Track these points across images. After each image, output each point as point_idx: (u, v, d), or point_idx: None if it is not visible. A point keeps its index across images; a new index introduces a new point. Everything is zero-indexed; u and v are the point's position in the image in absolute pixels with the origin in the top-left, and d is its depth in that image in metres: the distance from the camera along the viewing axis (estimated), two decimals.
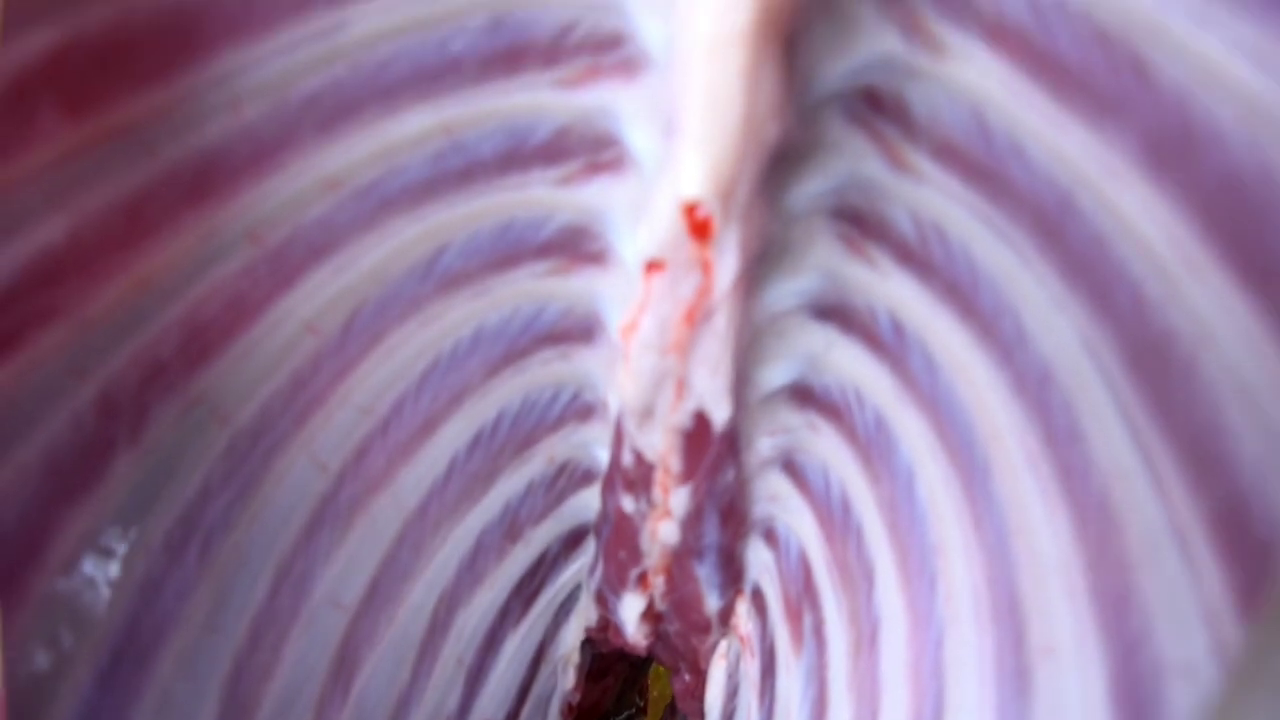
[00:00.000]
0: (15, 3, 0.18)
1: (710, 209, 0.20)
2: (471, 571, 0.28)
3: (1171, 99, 0.17)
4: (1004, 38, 0.19)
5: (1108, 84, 0.18)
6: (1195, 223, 0.17)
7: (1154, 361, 0.18)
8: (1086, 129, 0.19)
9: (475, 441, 0.27)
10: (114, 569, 0.21)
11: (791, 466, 0.26)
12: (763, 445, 0.26)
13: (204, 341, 0.22)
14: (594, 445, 0.28)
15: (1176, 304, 0.18)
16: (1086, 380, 0.20)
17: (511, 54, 0.22)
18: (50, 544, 0.20)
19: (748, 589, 0.29)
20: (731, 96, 0.19)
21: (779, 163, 0.21)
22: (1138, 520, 0.19)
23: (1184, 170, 0.17)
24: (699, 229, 0.21)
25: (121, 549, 0.21)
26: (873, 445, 0.24)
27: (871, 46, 0.20)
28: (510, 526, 0.28)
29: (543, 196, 0.24)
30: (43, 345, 0.20)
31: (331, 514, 0.25)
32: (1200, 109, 0.17)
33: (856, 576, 0.25)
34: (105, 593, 0.21)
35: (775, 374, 0.25)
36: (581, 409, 0.27)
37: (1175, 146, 0.17)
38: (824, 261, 0.23)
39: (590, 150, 0.23)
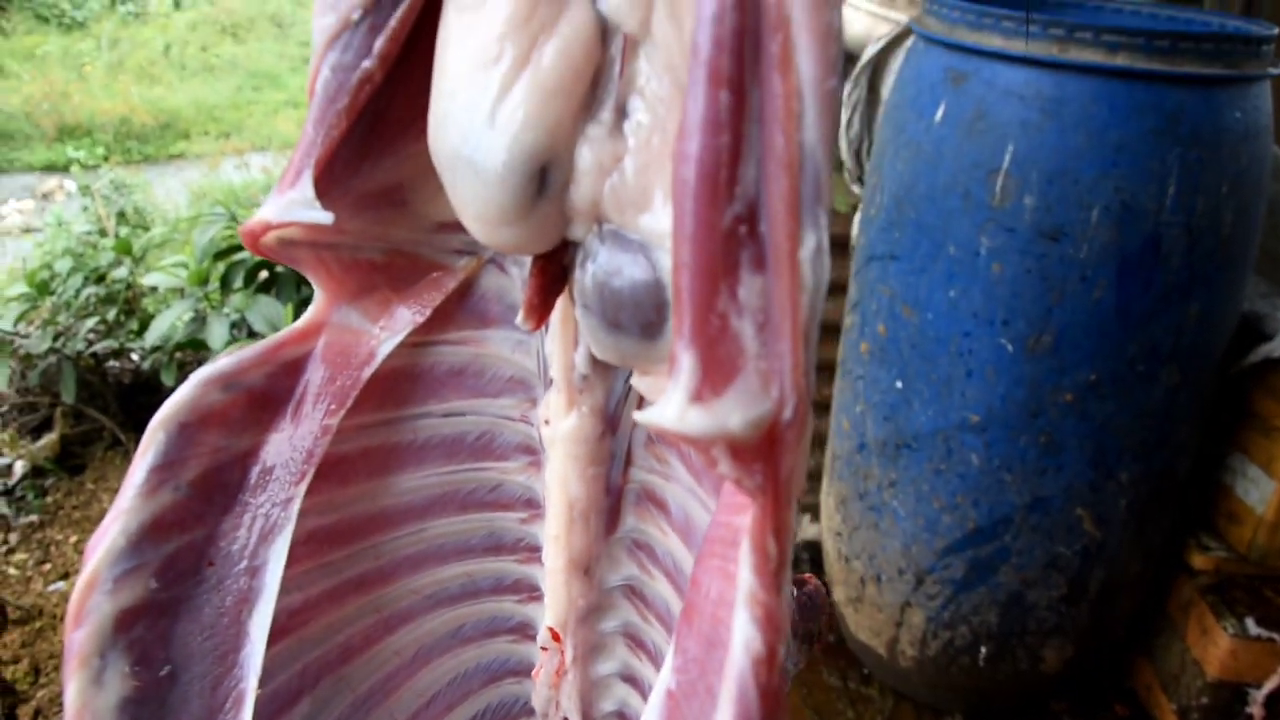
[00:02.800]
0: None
1: (557, 630, 0.47)
2: None
3: None
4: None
5: None
6: None
7: None
8: None
9: (476, 717, 0.54)
10: None
11: None
12: None
13: (348, 654, 0.50)
14: None
15: None
16: None
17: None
18: None
19: None
20: (559, 594, 0.46)
21: (591, 613, 0.48)
22: None
23: None
24: (555, 636, 0.48)
25: None
26: None
27: (624, 575, 0.47)
28: None
29: (513, 609, 0.51)
30: (278, 646, 0.49)
31: None
32: None
33: None
34: None
35: (607, 705, 0.50)
36: (530, 709, 0.54)
37: None
38: (623, 657, 0.49)
39: (529, 589, 0.51)
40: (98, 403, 3.45)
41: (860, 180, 1.81)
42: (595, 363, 0.42)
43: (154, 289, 3.47)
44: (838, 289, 1.86)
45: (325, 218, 0.38)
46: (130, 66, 10.01)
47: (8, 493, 3.25)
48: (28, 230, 6.75)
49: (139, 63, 10.11)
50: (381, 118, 0.39)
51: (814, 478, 2.04)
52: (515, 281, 0.45)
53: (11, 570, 2.91)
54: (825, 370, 1.92)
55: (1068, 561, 1.58)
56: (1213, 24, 1.57)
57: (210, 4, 11.77)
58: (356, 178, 0.40)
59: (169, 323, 3.02)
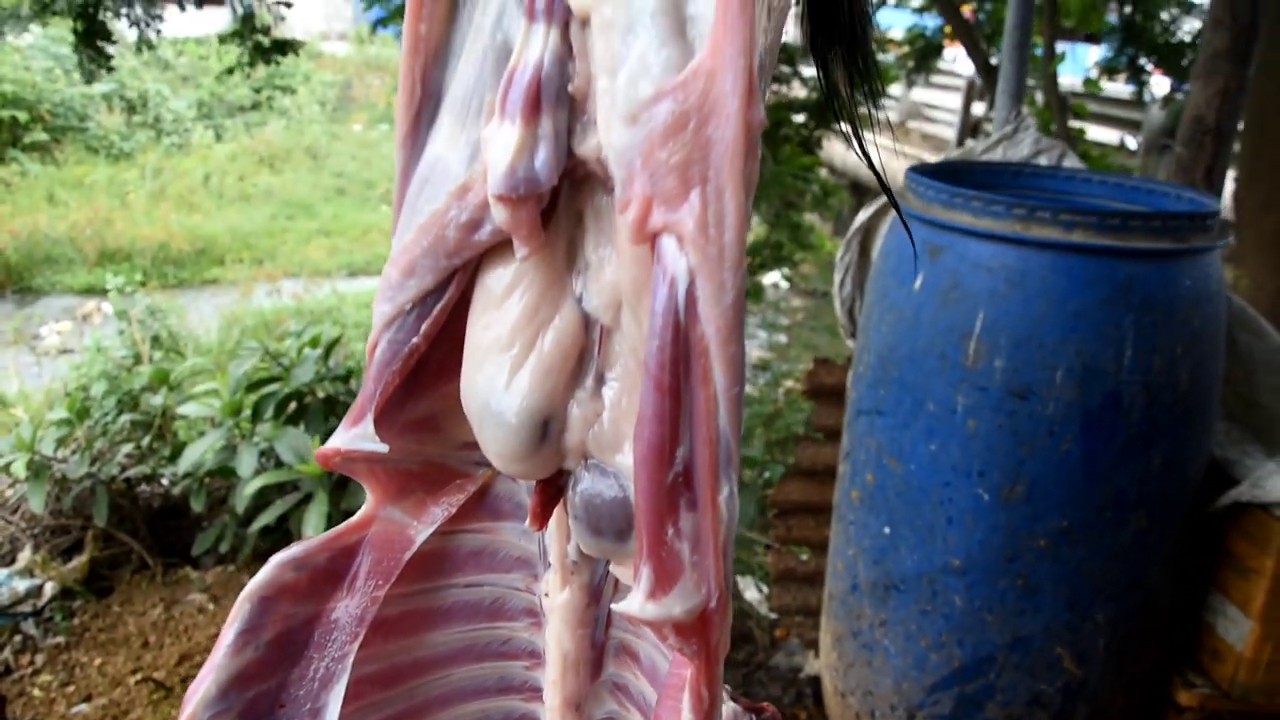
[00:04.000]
0: None
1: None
2: None
3: None
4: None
5: None
6: None
7: None
8: None
9: None
10: None
11: None
12: None
13: None
14: None
15: None
16: None
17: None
18: None
19: None
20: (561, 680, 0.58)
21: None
22: None
23: None
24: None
25: None
26: None
27: (606, 710, 0.59)
28: None
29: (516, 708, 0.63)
30: None
31: None
32: None
33: None
34: None
35: None
36: None
37: None
38: (612, 709, 0.60)
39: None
40: (127, 526, 3.57)
41: (854, 336, 1.96)
42: (582, 553, 0.55)
43: (185, 416, 3.62)
44: (835, 435, 1.99)
45: (381, 448, 0.52)
46: (171, 194, 10.44)
47: (36, 614, 3.34)
48: (65, 351, 6.99)
49: (180, 191, 10.54)
50: (422, 369, 0.53)
51: (815, 614, 2.13)
52: (521, 486, 0.58)
53: (36, 692, 2.99)
54: (825, 513, 2.04)
55: (1050, 698, 1.66)
56: (1170, 195, 1.73)
57: (249, 136, 12.30)
58: (402, 413, 0.54)
59: (201, 451, 3.16)
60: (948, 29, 6.18)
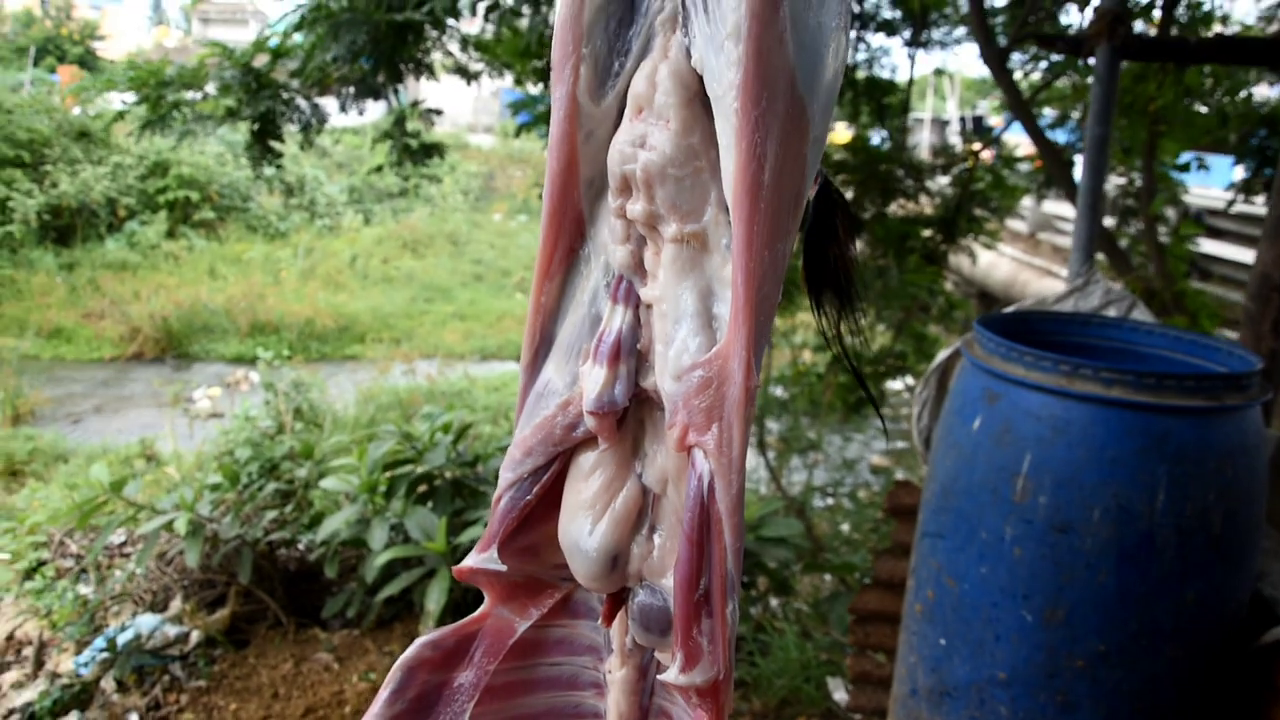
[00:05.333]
0: None
1: None
2: None
3: None
4: None
5: None
6: None
7: None
8: None
9: None
10: None
11: None
12: None
13: None
14: None
15: None
16: None
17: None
18: None
19: None
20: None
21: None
22: None
23: None
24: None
25: None
26: None
27: None
28: None
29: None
30: None
31: None
32: None
33: None
34: None
35: None
36: None
37: None
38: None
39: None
40: (266, 585, 3.91)
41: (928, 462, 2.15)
42: (636, 643, 0.78)
43: (323, 489, 3.95)
44: (909, 551, 2.17)
45: (501, 568, 0.76)
46: (320, 273, 11.15)
47: (183, 658, 3.69)
48: (215, 415, 7.54)
49: (327, 270, 11.26)
50: (531, 516, 0.78)
51: (881, 715, 2.28)
52: (594, 595, 0.82)
53: None
54: (899, 621, 2.22)
55: None
56: (1221, 351, 1.89)
57: (395, 221, 13.06)
58: (515, 543, 0.78)
59: (338, 523, 3.48)
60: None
